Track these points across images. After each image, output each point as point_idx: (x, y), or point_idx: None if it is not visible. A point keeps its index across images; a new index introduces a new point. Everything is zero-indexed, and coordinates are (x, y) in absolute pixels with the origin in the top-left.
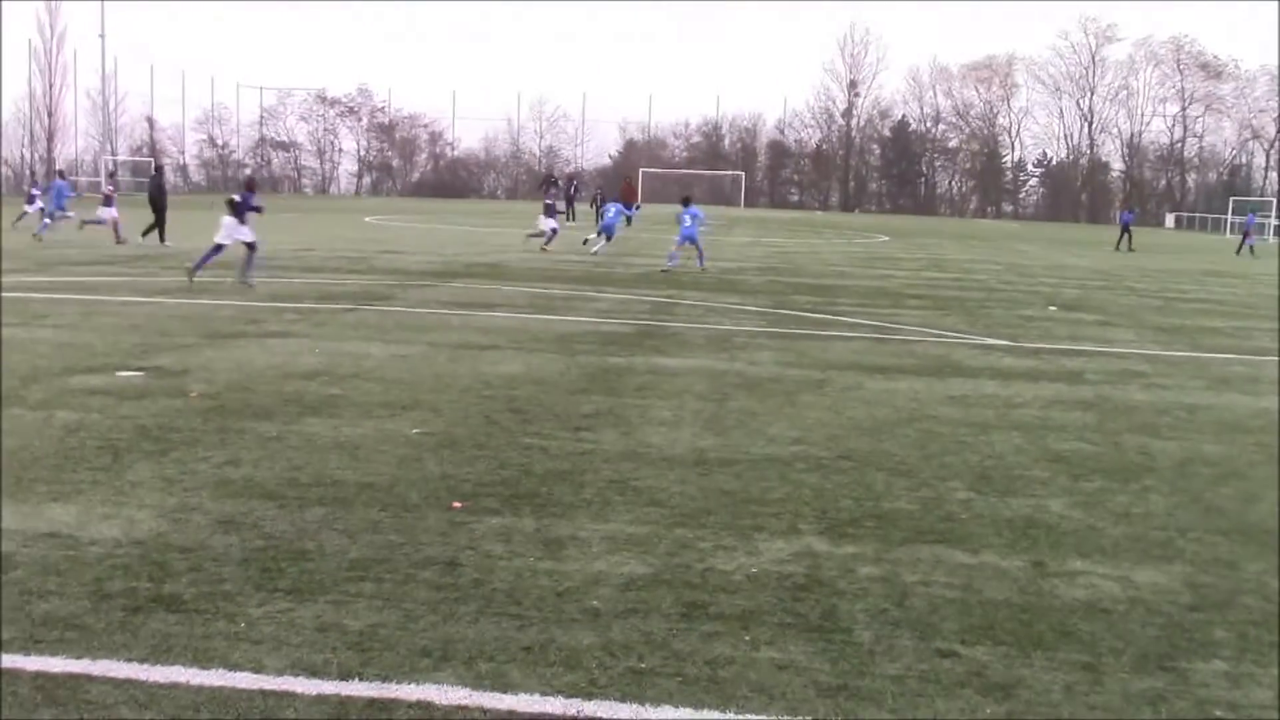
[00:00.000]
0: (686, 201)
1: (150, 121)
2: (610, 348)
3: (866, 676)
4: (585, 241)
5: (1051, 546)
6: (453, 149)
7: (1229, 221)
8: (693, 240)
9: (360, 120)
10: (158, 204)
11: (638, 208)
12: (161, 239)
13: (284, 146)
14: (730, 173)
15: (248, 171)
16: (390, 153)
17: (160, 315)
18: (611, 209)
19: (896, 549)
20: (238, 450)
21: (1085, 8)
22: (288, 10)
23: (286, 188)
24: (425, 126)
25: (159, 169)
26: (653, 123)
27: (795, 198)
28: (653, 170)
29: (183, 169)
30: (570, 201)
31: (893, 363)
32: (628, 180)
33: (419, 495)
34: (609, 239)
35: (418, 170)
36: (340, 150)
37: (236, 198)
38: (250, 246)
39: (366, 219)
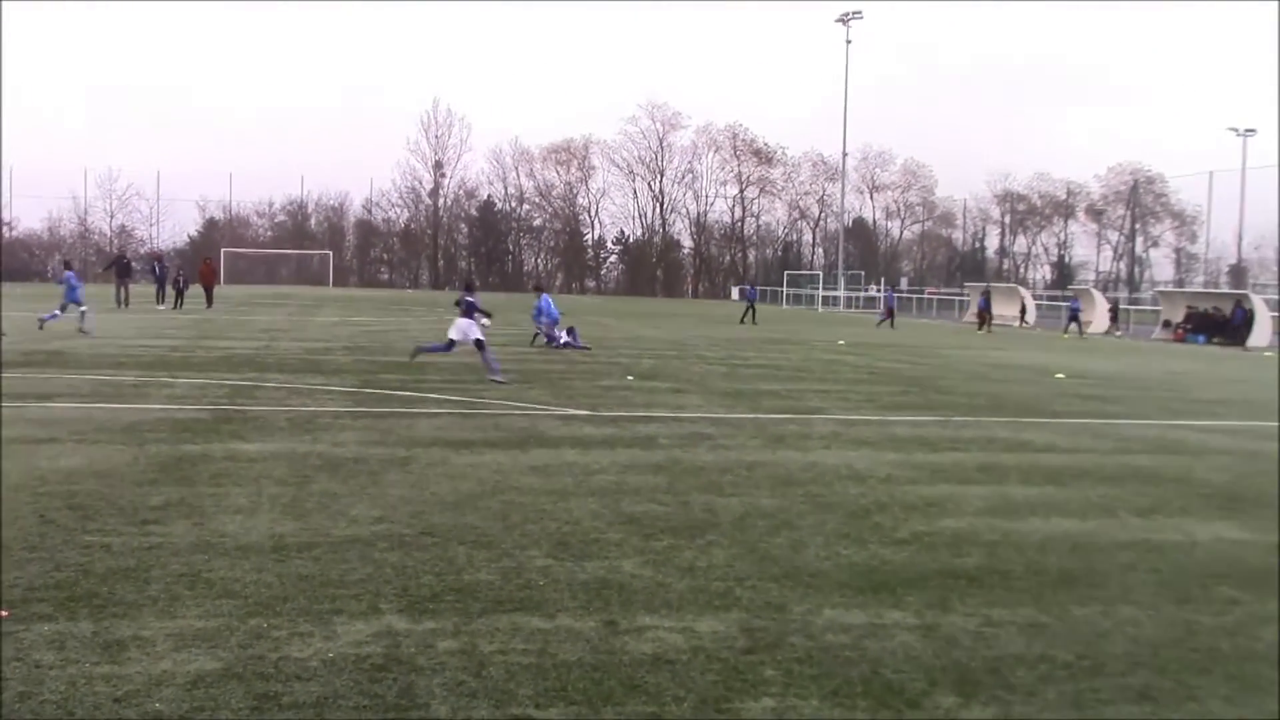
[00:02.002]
0: (539, 289)
1: None
2: (184, 435)
3: None
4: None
5: (623, 605)
6: (11, 229)
7: (785, 294)
8: (554, 320)
9: None
10: None
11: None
12: None
13: None
14: (318, 252)
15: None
16: None
17: None
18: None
19: (476, 620)
20: None
21: (652, 94)
22: None
23: None
24: None
25: None
26: (234, 202)
27: (386, 276)
28: (236, 250)
29: None
30: (160, 283)
31: (478, 436)
32: (207, 261)
33: None
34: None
35: None
36: None
37: (469, 298)
38: (479, 346)
39: None
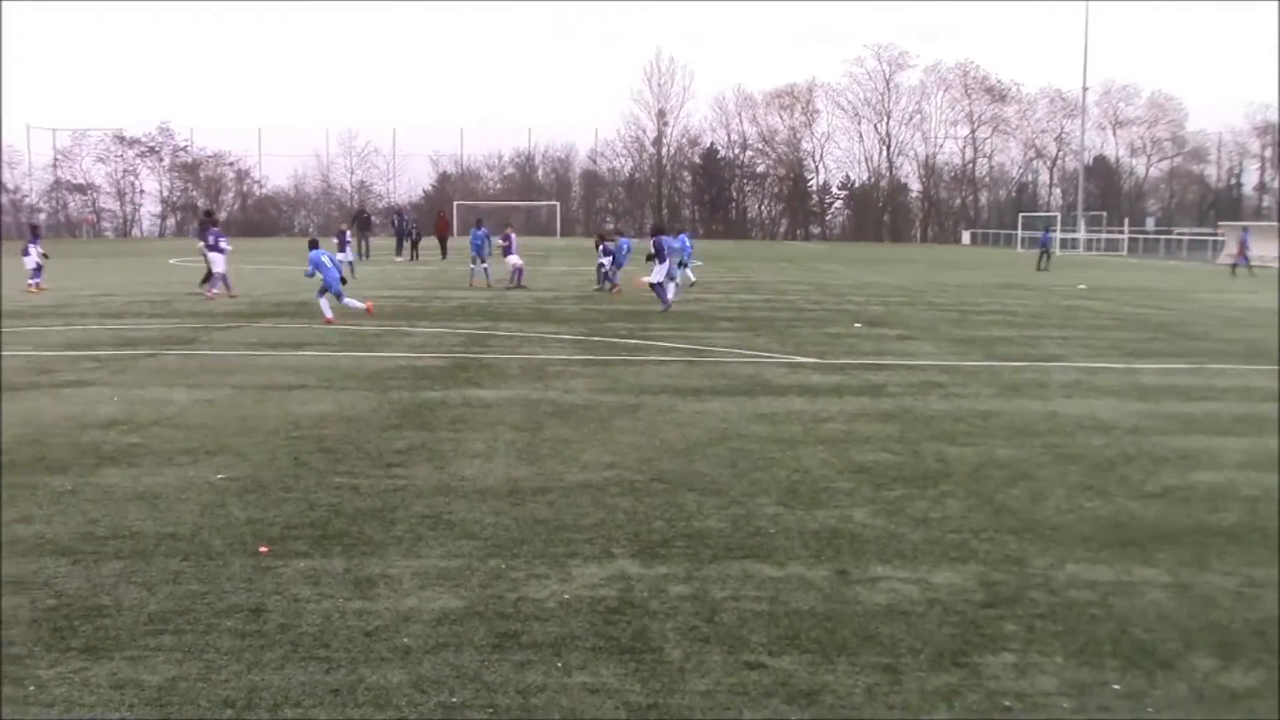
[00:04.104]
0: (679, 232)
1: None
2: (423, 382)
3: (677, 694)
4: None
5: (855, 554)
6: (261, 187)
7: (1019, 236)
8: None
9: (162, 160)
10: None
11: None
12: None
13: (80, 189)
14: (546, 203)
15: (41, 217)
16: (195, 192)
17: None
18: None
19: (707, 566)
20: (29, 507)
21: (878, 36)
22: (79, 48)
23: (85, 232)
24: (231, 165)
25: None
26: (465, 155)
27: (611, 226)
28: (467, 203)
29: None
30: (401, 236)
31: (705, 384)
32: (441, 214)
33: (223, 542)
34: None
35: (225, 209)
36: (142, 191)
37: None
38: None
39: (171, 261)
